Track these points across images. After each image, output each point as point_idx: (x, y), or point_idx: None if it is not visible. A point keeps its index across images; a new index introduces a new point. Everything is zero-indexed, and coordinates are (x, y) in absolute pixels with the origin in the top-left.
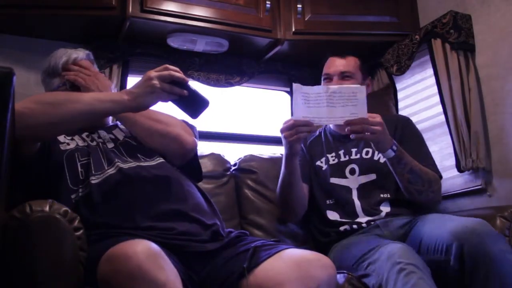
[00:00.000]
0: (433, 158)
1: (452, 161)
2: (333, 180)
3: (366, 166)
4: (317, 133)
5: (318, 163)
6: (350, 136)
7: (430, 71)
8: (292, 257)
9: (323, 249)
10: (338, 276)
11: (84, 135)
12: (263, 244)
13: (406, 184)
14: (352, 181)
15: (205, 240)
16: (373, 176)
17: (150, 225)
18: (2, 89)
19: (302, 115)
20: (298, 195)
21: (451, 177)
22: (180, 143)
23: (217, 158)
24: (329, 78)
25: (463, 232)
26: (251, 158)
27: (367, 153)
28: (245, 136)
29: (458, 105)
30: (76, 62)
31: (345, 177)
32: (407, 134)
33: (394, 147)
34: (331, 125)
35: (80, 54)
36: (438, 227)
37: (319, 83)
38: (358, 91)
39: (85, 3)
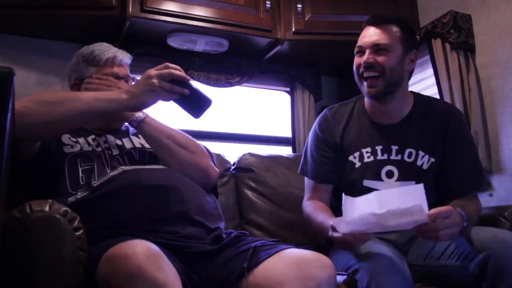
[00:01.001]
0: (481, 163)
1: None
2: (367, 183)
3: (407, 172)
4: (348, 108)
5: (351, 158)
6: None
7: (430, 71)
8: (291, 257)
9: (323, 248)
10: (338, 276)
11: (90, 138)
12: (262, 244)
13: None
14: (388, 186)
15: (207, 242)
16: (411, 183)
17: (152, 228)
18: (2, 89)
19: (351, 229)
20: None
21: None
22: (206, 176)
23: (217, 158)
24: (361, 52)
25: (492, 242)
26: (249, 156)
27: (409, 155)
28: (245, 136)
29: (458, 105)
30: (122, 64)
31: (381, 180)
32: (460, 137)
33: (465, 223)
34: (366, 107)
35: (126, 58)
36: (463, 233)
37: (319, 83)
38: (415, 210)
39: (85, 3)
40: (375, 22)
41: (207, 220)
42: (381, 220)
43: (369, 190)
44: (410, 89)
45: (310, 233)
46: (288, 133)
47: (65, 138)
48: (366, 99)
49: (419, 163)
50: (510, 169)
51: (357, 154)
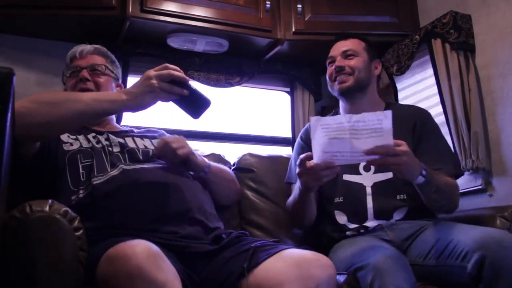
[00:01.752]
0: (453, 153)
1: None
2: (346, 177)
3: None
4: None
5: None
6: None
7: (430, 71)
8: (291, 257)
9: (323, 249)
10: (338, 276)
11: (90, 136)
12: (263, 244)
13: (431, 202)
14: (367, 178)
15: (206, 242)
16: (389, 175)
17: (152, 227)
18: (2, 89)
19: (323, 150)
20: (310, 214)
21: None
22: (237, 196)
23: (217, 158)
24: (332, 61)
25: (488, 242)
26: (248, 157)
27: None
28: (245, 136)
29: (458, 105)
30: (83, 55)
31: (359, 174)
32: (427, 131)
33: (424, 172)
34: (341, 111)
35: (87, 47)
36: (459, 233)
37: (319, 83)
38: (384, 117)
39: (85, 3)
40: (342, 37)
41: (207, 220)
42: (352, 135)
43: (348, 183)
44: (410, 89)
45: (291, 220)
46: (288, 133)
47: (64, 136)
48: (340, 105)
49: None
50: (510, 169)
51: None
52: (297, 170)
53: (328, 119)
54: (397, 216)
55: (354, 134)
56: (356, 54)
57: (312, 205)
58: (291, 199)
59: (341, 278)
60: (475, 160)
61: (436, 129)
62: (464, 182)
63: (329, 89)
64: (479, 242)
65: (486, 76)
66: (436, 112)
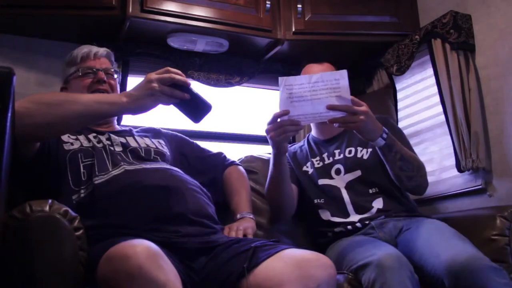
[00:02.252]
0: (411, 146)
1: (452, 161)
2: (321, 181)
3: (351, 164)
4: (301, 142)
5: (304, 168)
6: (334, 124)
7: (430, 71)
8: (292, 257)
9: (321, 249)
10: (338, 276)
11: (91, 135)
12: (263, 244)
13: (398, 172)
14: (339, 181)
15: (206, 237)
16: (358, 173)
17: (152, 227)
18: (2, 89)
19: (288, 114)
20: (287, 194)
21: (451, 177)
22: None
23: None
24: None
25: (455, 270)
26: (251, 159)
27: (350, 152)
28: (245, 136)
29: (458, 105)
30: (97, 57)
31: (332, 178)
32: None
33: (384, 135)
34: (312, 133)
35: (101, 50)
36: (431, 252)
37: None
38: (340, 77)
39: (85, 3)
40: (316, 61)
41: (207, 221)
42: (313, 96)
43: (324, 187)
44: (410, 89)
45: (271, 207)
46: None
47: (65, 136)
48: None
49: (359, 155)
50: (510, 169)
51: (309, 164)
52: (266, 128)
53: (291, 79)
54: (376, 205)
55: (314, 95)
56: None
57: (288, 186)
58: (267, 180)
59: (341, 277)
60: (475, 160)
61: (398, 130)
62: (464, 182)
63: None
64: (446, 267)
65: (486, 76)
66: (436, 112)
